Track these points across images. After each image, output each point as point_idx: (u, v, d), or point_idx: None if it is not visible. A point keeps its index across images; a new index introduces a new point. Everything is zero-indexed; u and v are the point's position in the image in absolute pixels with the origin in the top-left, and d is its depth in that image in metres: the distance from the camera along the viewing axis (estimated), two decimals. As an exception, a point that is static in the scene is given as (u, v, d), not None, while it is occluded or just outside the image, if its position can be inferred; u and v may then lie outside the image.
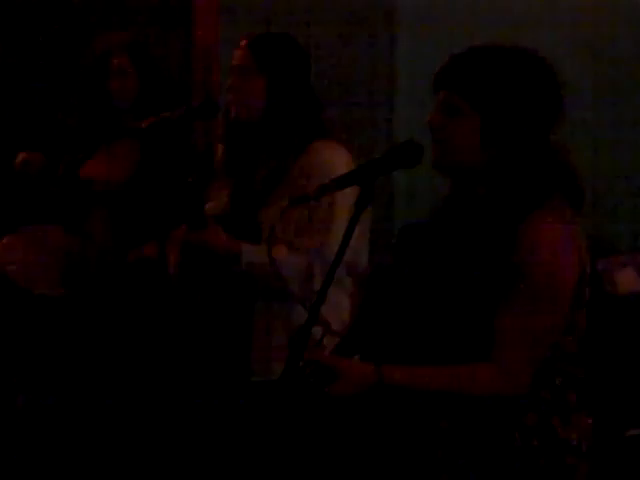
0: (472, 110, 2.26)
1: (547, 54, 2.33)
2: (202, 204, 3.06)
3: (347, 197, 2.66)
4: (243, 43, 3.12)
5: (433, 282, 2.28)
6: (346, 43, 4.53)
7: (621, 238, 4.56)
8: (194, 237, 3.00)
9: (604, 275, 4.07)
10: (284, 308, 3.01)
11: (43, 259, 3.63)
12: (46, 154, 3.73)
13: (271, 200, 3.02)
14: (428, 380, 2.22)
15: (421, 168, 2.32)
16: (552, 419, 2.26)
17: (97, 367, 3.55)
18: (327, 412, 2.33)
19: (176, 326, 3.13)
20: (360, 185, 2.27)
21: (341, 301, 3.08)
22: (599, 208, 4.52)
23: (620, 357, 3.94)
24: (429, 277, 2.30)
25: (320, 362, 2.19)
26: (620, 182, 4.70)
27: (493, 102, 2.25)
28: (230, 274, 3.03)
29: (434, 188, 2.50)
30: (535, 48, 2.33)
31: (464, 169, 2.31)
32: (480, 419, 2.26)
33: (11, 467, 3.59)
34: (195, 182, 3.11)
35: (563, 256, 2.22)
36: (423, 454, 2.30)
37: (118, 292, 3.51)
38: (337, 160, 2.99)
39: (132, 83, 3.67)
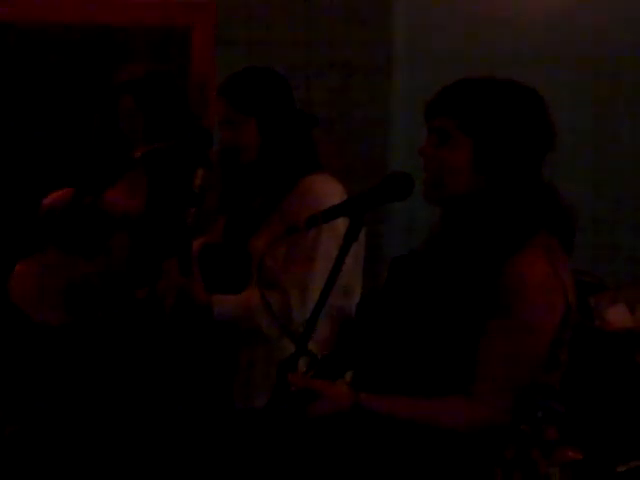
0: (465, 136, 2.26)
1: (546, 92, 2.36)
2: (190, 248, 3.06)
3: (335, 229, 2.68)
4: (215, 95, 3.11)
5: (418, 312, 2.28)
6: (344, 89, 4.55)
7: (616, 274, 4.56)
8: (181, 284, 3.00)
9: (595, 311, 4.08)
10: (266, 345, 3.01)
11: (48, 286, 3.64)
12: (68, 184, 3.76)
13: (263, 231, 3.03)
14: (405, 409, 2.21)
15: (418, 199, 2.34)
16: (532, 452, 2.26)
17: (87, 398, 3.55)
18: (308, 434, 2.32)
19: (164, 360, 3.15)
20: (349, 217, 2.28)
21: (330, 333, 3.06)
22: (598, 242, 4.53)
23: (611, 393, 3.94)
24: (414, 307, 2.29)
25: (301, 385, 2.18)
26: (620, 218, 4.72)
27: (486, 128, 2.25)
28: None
29: (430, 218, 2.50)
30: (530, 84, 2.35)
31: (453, 199, 2.31)
32: (460, 453, 2.25)
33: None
34: (189, 223, 3.11)
35: (548, 295, 2.22)
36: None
37: (122, 324, 3.52)
38: (329, 193, 2.99)
39: (138, 122, 3.69)
